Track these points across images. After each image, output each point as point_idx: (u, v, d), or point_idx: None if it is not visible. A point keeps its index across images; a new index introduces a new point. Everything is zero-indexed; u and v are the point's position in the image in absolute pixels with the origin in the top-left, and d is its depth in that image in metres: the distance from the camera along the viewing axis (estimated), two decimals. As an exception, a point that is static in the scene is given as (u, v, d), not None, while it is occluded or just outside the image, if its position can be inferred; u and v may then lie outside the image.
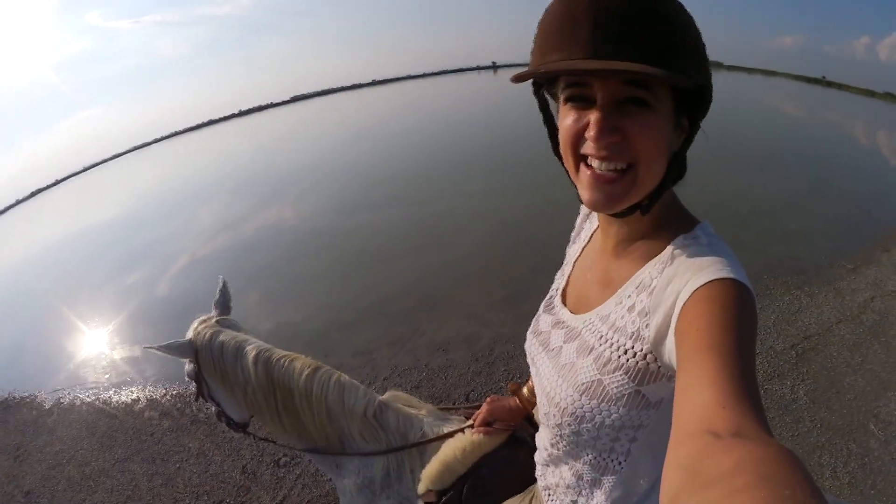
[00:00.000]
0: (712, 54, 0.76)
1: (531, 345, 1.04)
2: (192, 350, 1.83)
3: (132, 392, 5.65)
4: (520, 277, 6.29)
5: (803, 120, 25.43)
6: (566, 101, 0.75)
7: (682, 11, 0.68)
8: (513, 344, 4.90)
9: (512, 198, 10.23)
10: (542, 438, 1.08)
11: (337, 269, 7.81)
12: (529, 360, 1.04)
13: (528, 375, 1.34)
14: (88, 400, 5.79)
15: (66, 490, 4.40)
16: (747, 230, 7.03)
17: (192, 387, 1.91)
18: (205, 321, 1.91)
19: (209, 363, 1.82)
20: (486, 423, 1.49)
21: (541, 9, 0.72)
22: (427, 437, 1.63)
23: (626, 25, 0.64)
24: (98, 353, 7.11)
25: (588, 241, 1.04)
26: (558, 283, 1.08)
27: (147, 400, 5.39)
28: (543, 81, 0.82)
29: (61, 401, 5.99)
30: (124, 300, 8.93)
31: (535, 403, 1.41)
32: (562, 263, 1.17)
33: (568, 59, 0.68)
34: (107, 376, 6.29)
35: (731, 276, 0.65)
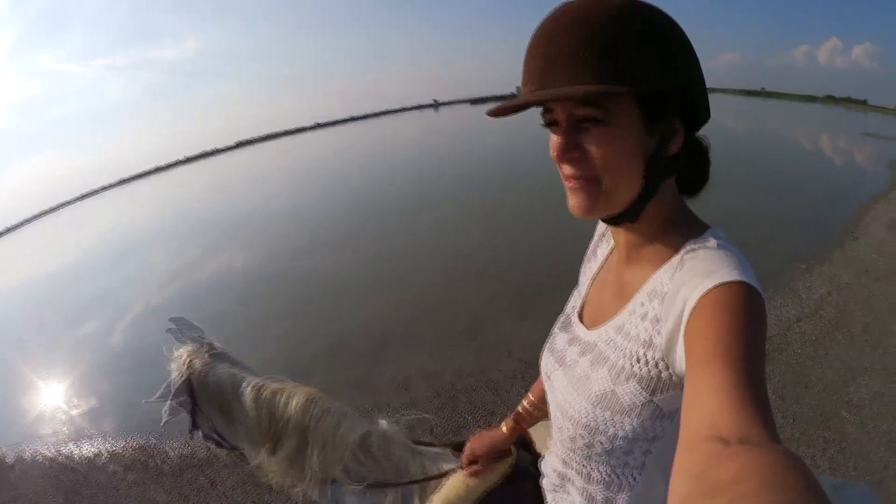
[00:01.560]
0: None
1: (546, 361, 1.04)
2: (188, 390, 1.76)
3: (93, 445, 5.53)
4: (477, 310, 6.38)
5: (746, 132, 26.55)
6: (546, 125, 0.81)
7: (636, 22, 0.71)
8: (474, 377, 4.94)
9: (461, 232, 10.43)
10: (551, 461, 1.07)
11: (290, 313, 7.74)
12: (544, 377, 1.05)
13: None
14: (50, 454, 5.65)
15: (33, 549, 4.25)
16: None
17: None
18: (193, 353, 1.81)
19: (207, 403, 1.75)
20: (472, 462, 1.47)
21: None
22: (426, 474, 1.58)
23: (571, 51, 0.70)
24: (54, 406, 6.91)
25: (605, 260, 1.05)
26: (574, 301, 1.08)
27: (109, 453, 5.27)
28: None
29: (22, 456, 5.82)
30: (78, 352, 8.72)
31: (524, 430, 1.43)
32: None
33: (528, 91, 0.75)
34: (65, 430, 6.13)
35: (740, 278, 0.66)
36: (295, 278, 9.49)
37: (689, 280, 0.71)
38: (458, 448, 1.62)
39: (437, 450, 1.68)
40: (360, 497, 1.63)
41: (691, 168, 0.84)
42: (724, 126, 28.92)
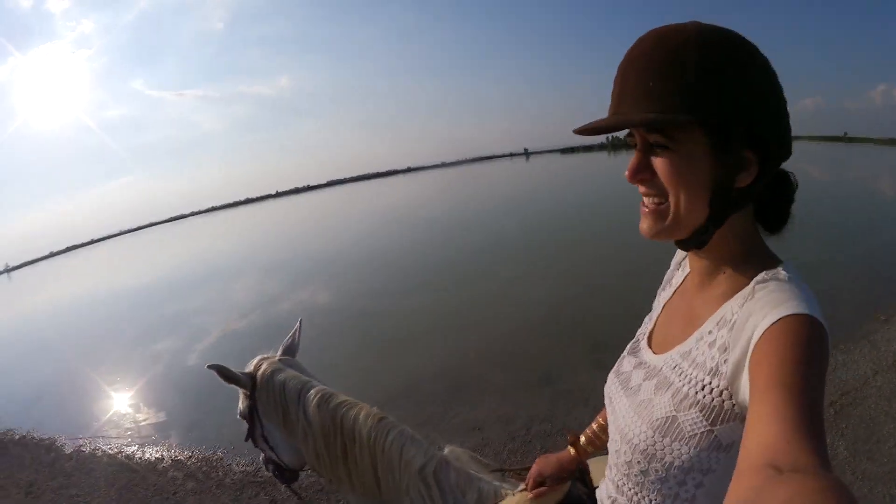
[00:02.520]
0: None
1: (611, 384, 1.04)
2: (250, 383, 1.79)
3: (157, 451, 5.59)
4: (553, 358, 6.26)
5: (827, 180, 25.48)
6: (629, 148, 0.86)
7: (709, 52, 0.74)
8: (549, 423, 4.80)
9: (543, 280, 10.32)
10: (606, 487, 1.05)
11: (368, 352, 7.80)
12: (607, 400, 1.04)
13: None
14: (110, 452, 5.74)
15: (78, 533, 4.27)
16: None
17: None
18: (267, 358, 1.87)
19: (268, 402, 1.77)
20: (539, 483, 1.42)
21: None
22: (484, 500, 1.54)
23: (641, 79, 0.76)
24: (123, 411, 7.12)
25: (678, 287, 1.06)
26: (645, 327, 1.09)
27: (172, 460, 5.31)
28: None
29: (82, 449, 5.95)
30: (153, 365, 9.04)
31: (590, 453, 1.39)
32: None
33: (608, 115, 0.81)
34: (130, 433, 6.25)
35: (806, 311, 0.67)
36: (376, 318, 9.57)
37: (758, 310, 0.72)
38: (519, 473, 1.61)
39: (498, 476, 1.66)
40: None
41: (772, 204, 0.85)
42: (803, 172, 28.06)
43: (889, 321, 6.05)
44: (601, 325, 6.92)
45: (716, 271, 0.87)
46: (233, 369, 1.78)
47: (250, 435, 1.87)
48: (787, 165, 0.82)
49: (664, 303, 1.08)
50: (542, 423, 4.88)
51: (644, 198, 0.84)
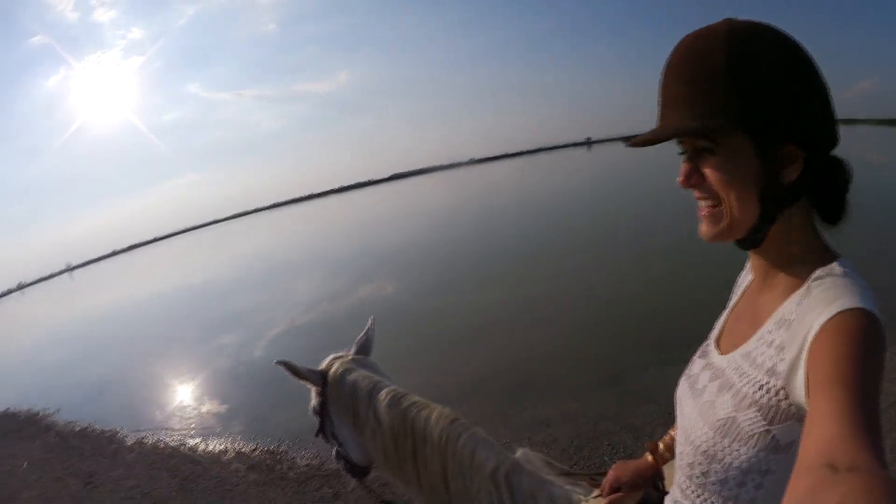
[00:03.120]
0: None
1: (681, 388, 1.05)
2: (321, 381, 1.81)
3: (220, 443, 5.64)
4: (621, 356, 6.07)
5: (881, 164, 24.23)
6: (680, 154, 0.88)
7: (742, 52, 0.75)
8: (615, 422, 4.67)
9: (610, 276, 10.05)
10: (673, 492, 1.06)
11: (435, 347, 7.71)
12: (677, 403, 1.06)
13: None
14: (173, 444, 5.82)
15: (138, 522, 4.32)
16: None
17: (316, 422, 1.86)
18: (340, 357, 1.88)
19: (339, 400, 1.78)
20: (615, 489, 1.42)
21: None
22: None
23: (678, 87, 0.79)
24: (187, 404, 7.23)
25: (745, 290, 1.06)
26: (715, 330, 1.09)
27: (235, 452, 5.33)
28: None
29: (144, 441, 6.05)
30: (217, 359, 9.18)
31: (668, 459, 1.38)
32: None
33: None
34: (193, 426, 6.33)
35: (859, 305, 0.66)
36: (443, 314, 9.48)
37: (813, 307, 0.72)
38: (593, 478, 1.56)
39: (571, 480, 1.61)
40: None
41: (826, 195, 0.83)
42: (861, 159, 26.96)
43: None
44: (668, 323, 6.71)
45: (775, 270, 0.87)
46: (299, 366, 1.80)
47: (321, 431, 1.89)
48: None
49: (732, 305, 1.09)
50: (608, 421, 4.74)
51: (699, 202, 0.86)
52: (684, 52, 0.79)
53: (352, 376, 1.77)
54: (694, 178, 0.83)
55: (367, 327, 2.02)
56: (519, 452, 1.66)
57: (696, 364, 1.04)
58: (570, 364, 6.18)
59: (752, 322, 0.90)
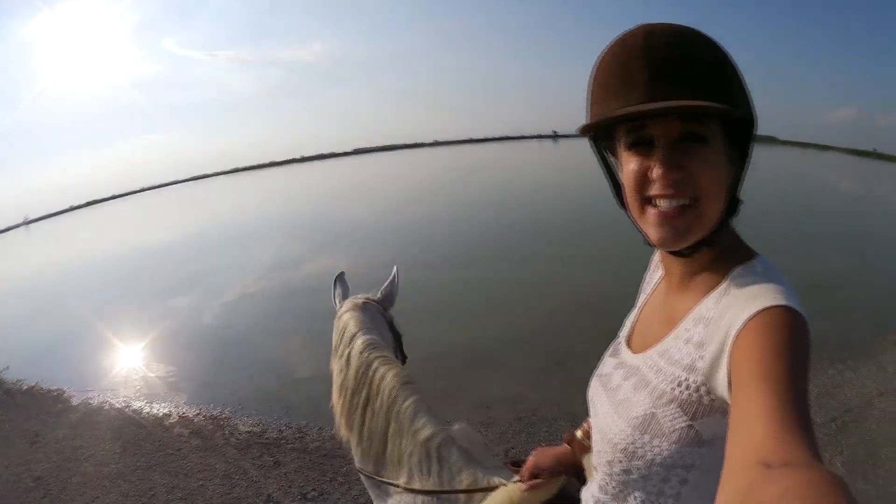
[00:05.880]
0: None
1: (594, 387, 1.04)
2: (337, 308, 2.01)
3: (165, 407, 5.62)
4: (571, 344, 6.18)
5: (852, 194, 25.17)
6: (628, 147, 0.81)
7: (720, 51, 0.76)
8: (557, 408, 4.78)
9: (567, 266, 10.21)
10: (591, 488, 1.05)
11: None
12: (590, 402, 1.04)
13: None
14: (118, 406, 5.77)
15: (80, 485, 4.35)
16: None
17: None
18: (360, 297, 2.02)
19: (334, 330, 1.92)
20: (534, 476, 1.42)
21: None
22: (476, 484, 1.53)
23: (676, 68, 0.73)
24: (133, 366, 7.14)
25: (655, 287, 1.06)
26: (625, 329, 1.09)
27: (179, 416, 5.32)
28: (602, 135, 0.88)
29: (90, 402, 5.98)
30: (166, 322, 9.00)
31: (587, 448, 1.34)
32: (615, 333, 1.17)
33: (627, 105, 0.74)
34: (139, 388, 6.27)
35: (784, 302, 0.66)
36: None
37: (734, 305, 0.71)
38: (515, 464, 1.57)
39: (495, 462, 1.65)
40: (400, 497, 1.64)
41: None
42: (829, 186, 28.12)
43: (902, 344, 5.93)
44: (623, 314, 6.78)
45: (692, 269, 0.86)
46: (344, 289, 2.15)
47: None
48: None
49: (641, 304, 1.10)
50: (549, 407, 4.88)
51: (660, 201, 0.78)
52: (672, 32, 0.75)
53: (348, 316, 1.89)
54: (679, 173, 0.76)
55: (391, 276, 2.14)
56: (457, 426, 1.69)
57: (608, 363, 1.04)
58: (520, 350, 6.30)
59: (667, 321, 0.90)
